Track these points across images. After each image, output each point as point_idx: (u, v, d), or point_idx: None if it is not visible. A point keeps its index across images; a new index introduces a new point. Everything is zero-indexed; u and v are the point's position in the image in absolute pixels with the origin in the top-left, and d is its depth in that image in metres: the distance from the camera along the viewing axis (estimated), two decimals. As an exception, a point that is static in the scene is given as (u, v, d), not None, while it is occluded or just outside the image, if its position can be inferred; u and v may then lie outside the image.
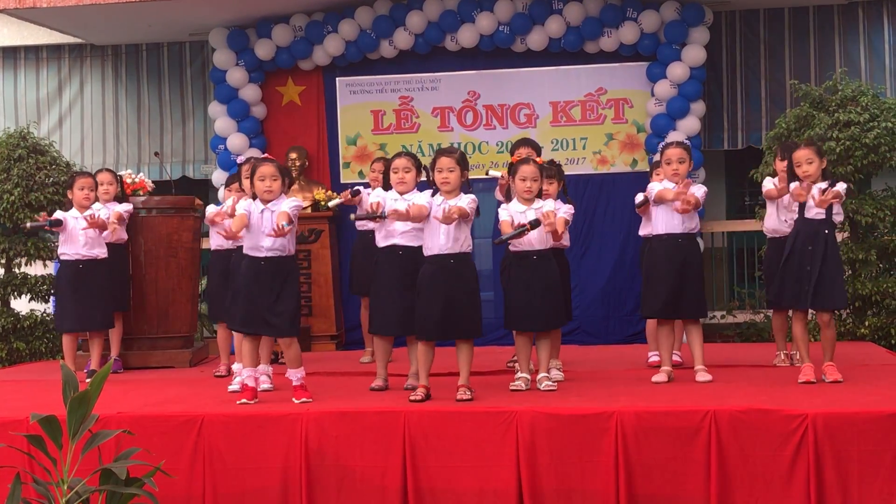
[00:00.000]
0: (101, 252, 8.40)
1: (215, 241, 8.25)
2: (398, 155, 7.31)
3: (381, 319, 7.13)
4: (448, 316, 6.53)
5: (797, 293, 7.01)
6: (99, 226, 8.24)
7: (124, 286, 8.98)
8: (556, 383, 6.95)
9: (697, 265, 7.30)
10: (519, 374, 6.97)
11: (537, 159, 7.22)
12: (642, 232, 8.16)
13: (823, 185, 6.98)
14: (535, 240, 6.90)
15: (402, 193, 7.12)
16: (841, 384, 6.75)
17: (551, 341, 7.33)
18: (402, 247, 7.04)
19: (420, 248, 6.87)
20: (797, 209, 7.07)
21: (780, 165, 7.88)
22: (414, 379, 7.02)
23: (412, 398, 6.43)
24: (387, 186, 7.37)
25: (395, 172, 7.12)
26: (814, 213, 6.99)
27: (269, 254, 6.68)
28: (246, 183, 7.38)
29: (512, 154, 7.83)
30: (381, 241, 7.15)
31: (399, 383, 7.14)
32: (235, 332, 7.22)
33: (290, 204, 6.71)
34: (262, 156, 7.34)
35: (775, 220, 7.89)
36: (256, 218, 6.71)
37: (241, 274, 6.81)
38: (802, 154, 7.02)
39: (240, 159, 8.22)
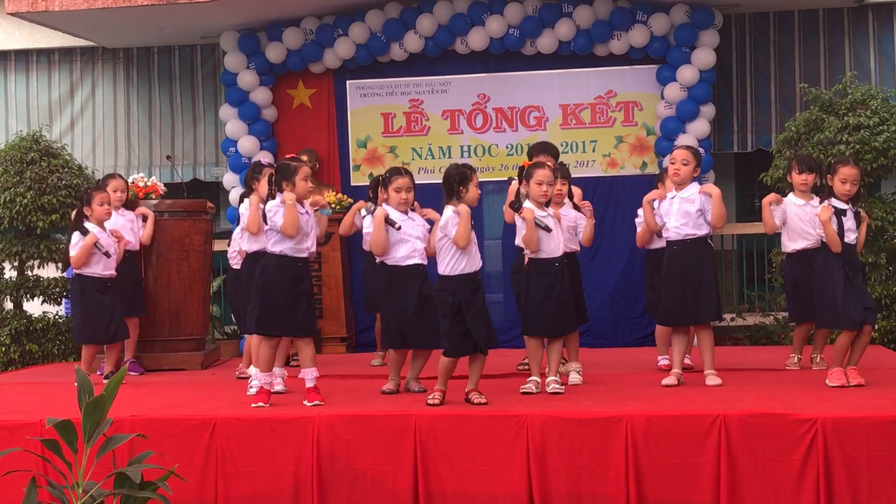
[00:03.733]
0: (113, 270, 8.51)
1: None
2: (398, 173, 7.22)
3: (401, 335, 7.12)
4: (478, 332, 6.60)
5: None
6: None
7: (139, 291, 9.03)
8: (562, 386, 6.97)
9: (711, 269, 7.31)
10: (530, 378, 7.00)
11: (549, 164, 7.24)
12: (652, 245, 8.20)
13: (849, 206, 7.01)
14: (555, 248, 6.96)
15: (405, 212, 7.18)
16: (849, 388, 6.77)
17: (570, 344, 7.41)
18: (422, 265, 7.11)
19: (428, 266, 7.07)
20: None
21: (799, 179, 7.82)
22: (414, 382, 7.20)
23: (430, 402, 6.48)
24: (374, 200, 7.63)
25: (399, 192, 7.12)
26: (852, 237, 6.99)
27: (308, 255, 6.83)
28: (264, 185, 7.37)
29: (530, 158, 7.86)
30: (403, 261, 7.10)
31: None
32: (253, 335, 7.29)
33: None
34: (289, 156, 7.41)
35: (792, 237, 7.89)
36: (304, 219, 6.80)
37: (273, 276, 6.79)
38: (851, 173, 6.98)
39: (264, 159, 8.18)
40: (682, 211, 7.21)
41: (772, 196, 7.98)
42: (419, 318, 7.05)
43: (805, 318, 7.88)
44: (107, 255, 8.29)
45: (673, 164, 7.30)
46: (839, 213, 6.97)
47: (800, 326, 8.10)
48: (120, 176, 9.15)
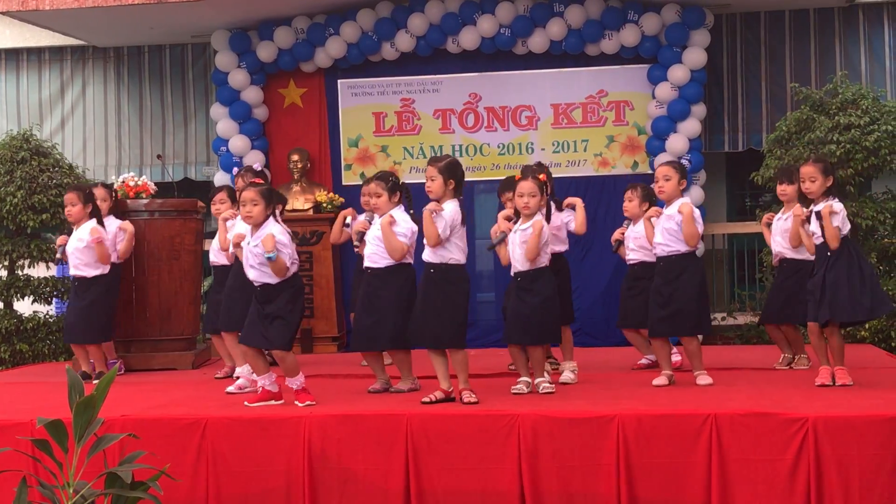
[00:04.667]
0: (93, 271, 8.43)
1: (212, 256, 8.42)
2: (369, 180, 7.49)
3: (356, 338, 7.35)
4: (418, 324, 6.70)
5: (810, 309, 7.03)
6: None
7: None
8: (553, 385, 6.97)
9: (694, 284, 7.22)
10: (521, 378, 7.00)
11: (540, 176, 7.13)
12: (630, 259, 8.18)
13: (820, 206, 6.85)
14: (517, 261, 6.94)
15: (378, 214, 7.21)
16: (840, 388, 6.78)
17: (564, 343, 7.44)
18: (369, 268, 7.16)
19: (386, 268, 7.05)
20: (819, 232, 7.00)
21: (778, 189, 7.93)
22: (404, 383, 7.19)
23: (424, 400, 6.51)
24: None
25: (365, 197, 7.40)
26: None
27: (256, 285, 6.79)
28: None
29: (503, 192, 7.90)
30: (365, 263, 7.26)
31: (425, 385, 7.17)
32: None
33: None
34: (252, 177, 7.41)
35: (777, 245, 7.97)
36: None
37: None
38: (805, 171, 6.96)
39: (234, 171, 8.22)
40: (664, 228, 7.24)
41: (765, 218, 8.20)
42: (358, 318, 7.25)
43: (771, 320, 8.04)
44: (58, 261, 8.55)
45: (656, 182, 7.35)
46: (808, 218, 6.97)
47: (768, 329, 8.21)
48: (103, 185, 9.05)
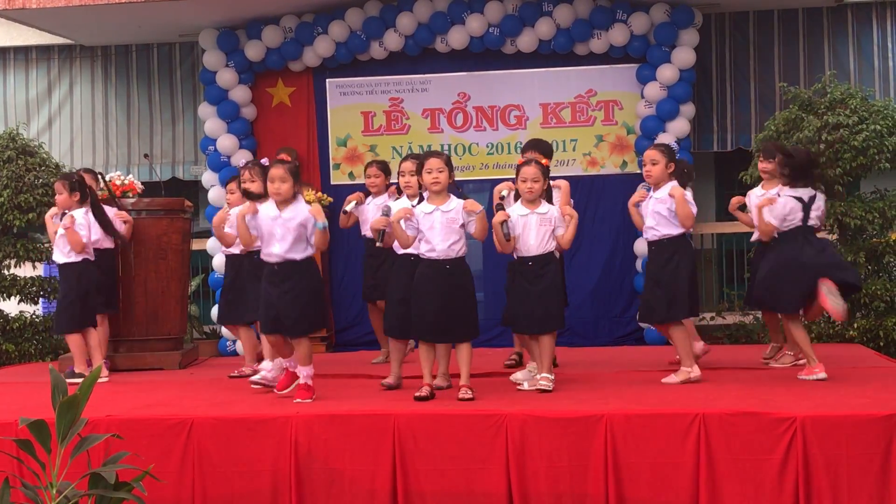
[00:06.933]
0: (64, 258, 8.40)
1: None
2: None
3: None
4: (444, 319, 6.68)
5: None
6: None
7: (113, 288, 8.94)
8: (551, 384, 6.94)
9: (685, 267, 7.29)
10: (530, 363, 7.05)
11: (542, 161, 7.13)
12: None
13: (774, 191, 7.29)
14: (529, 247, 6.96)
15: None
16: (830, 386, 6.78)
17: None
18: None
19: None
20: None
21: (762, 166, 8.03)
22: (441, 378, 7.14)
23: (417, 395, 6.56)
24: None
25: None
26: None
27: (276, 258, 6.79)
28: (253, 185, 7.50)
29: (523, 154, 7.81)
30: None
31: (411, 385, 7.14)
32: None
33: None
34: (279, 156, 7.46)
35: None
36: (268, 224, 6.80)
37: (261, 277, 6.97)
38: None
39: (241, 162, 8.22)
40: (654, 212, 7.26)
41: (735, 201, 8.27)
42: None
43: (753, 306, 8.32)
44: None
45: (644, 166, 7.37)
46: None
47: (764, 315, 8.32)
48: (86, 170, 9.07)
